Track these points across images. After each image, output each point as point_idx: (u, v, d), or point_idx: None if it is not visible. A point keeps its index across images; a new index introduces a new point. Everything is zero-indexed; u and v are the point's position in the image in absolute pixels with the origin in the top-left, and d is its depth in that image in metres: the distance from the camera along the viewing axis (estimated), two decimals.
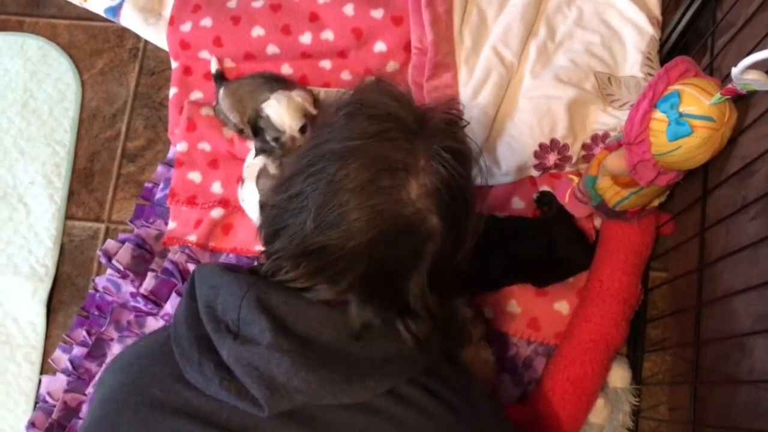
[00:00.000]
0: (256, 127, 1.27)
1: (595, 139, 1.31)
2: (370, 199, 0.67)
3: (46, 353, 1.40)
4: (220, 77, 1.47)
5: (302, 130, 1.25)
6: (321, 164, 0.71)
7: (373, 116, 0.73)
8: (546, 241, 1.25)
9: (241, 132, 1.39)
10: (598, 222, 1.30)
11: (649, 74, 1.31)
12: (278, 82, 1.37)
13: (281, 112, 1.23)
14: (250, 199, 1.27)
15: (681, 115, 0.93)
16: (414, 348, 0.72)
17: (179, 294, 1.33)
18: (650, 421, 1.26)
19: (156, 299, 1.33)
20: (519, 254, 1.24)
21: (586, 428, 1.24)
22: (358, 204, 0.67)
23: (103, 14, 1.57)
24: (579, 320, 1.22)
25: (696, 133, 0.92)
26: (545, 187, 1.34)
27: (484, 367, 1.15)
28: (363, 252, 0.68)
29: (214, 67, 1.47)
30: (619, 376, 1.24)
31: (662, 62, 1.32)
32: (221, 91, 1.40)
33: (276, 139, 1.25)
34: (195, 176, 1.43)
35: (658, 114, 0.96)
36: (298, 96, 1.27)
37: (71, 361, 1.35)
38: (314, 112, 1.27)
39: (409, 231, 0.69)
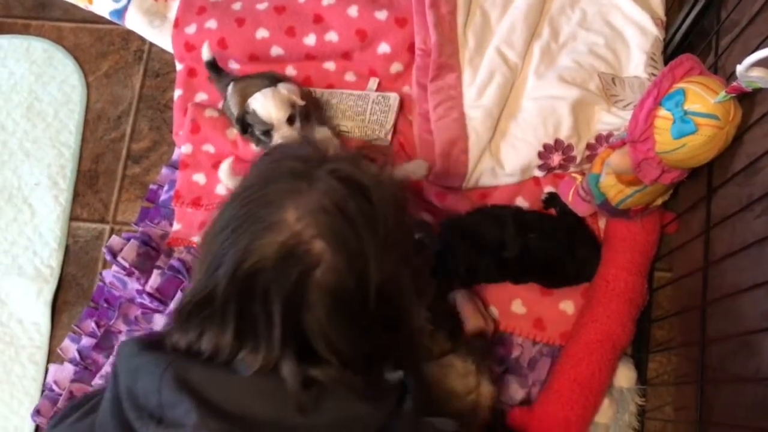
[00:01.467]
0: (244, 124, 1.28)
1: (599, 139, 1.31)
2: (247, 230, 0.65)
3: (51, 354, 1.40)
4: (213, 66, 1.43)
5: (290, 120, 1.25)
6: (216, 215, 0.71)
7: (271, 156, 0.75)
8: (568, 241, 1.25)
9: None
10: (602, 222, 1.30)
11: (653, 74, 1.31)
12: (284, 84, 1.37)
13: (267, 104, 1.23)
14: None
15: (686, 113, 0.93)
16: (350, 404, 0.66)
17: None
18: (656, 421, 1.25)
19: (162, 297, 1.33)
20: (539, 250, 1.23)
21: (592, 428, 1.23)
22: (235, 239, 0.65)
23: (108, 17, 1.58)
24: (585, 320, 1.22)
25: (701, 131, 0.92)
26: (549, 188, 1.34)
27: (462, 383, 1.11)
28: (248, 284, 0.64)
29: (206, 54, 1.42)
30: (624, 376, 1.23)
31: (666, 62, 1.31)
32: (230, 88, 1.39)
33: (266, 133, 1.26)
34: (199, 178, 1.43)
35: (662, 112, 0.96)
36: (283, 88, 1.27)
37: (79, 351, 1.35)
38: (301, 103, 1.27)
39: (291, 257, 0.63)
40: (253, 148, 1.38)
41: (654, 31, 1.32)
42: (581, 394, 1.18)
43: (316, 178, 0.67)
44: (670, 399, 1.26)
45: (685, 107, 0.93)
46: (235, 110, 1.37)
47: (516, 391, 1.24)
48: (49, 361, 1.40)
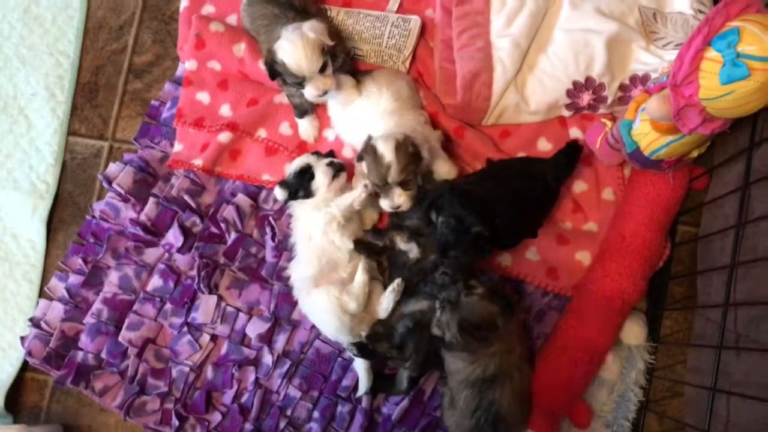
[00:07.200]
0: (273, 70, 1.16)
1: (633, 80, 1.21)
2: None
3: (46, 273, 1.36)
4: None
5: (323, 68, 1.14)
6: None
7: None
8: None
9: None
10: (627, 171, 1.22)
11: (700, 11, 1.19)
12: (295, 12, 1.23)
13: (297, 56, 1.11)
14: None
15: (738, 55, 0.84)
16: None
17: (180, 224, 1.27)
18: (665, 380, 1.21)
19: (155, 229, 1.28)
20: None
21: (597, 384, 1.20)
22: None
23: None
24: (596, 275, 1.16)
25: (753, 76, 0.83)
26: (576, 129, 1.25)
27: None
28: None
29: None
30: (633, 332, 1.18)
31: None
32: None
33: (299, 84, 1.15)
34: (203, 97, 1.34)
35: (712, 53, 0.87)
36: (310, 31, 1.13)
37: (68, 290, 1.30)
38: (331, 43, 1.15)
39: None
40: (262, 67, 1.27)
41: None
42: (586, 351, 1.14)
43: None
44: (683, 358, 1.21)
45: (739, 49, 0.84)
46: (245, 23, 1.29)
47: None
48: (43, 279, 1.36)
